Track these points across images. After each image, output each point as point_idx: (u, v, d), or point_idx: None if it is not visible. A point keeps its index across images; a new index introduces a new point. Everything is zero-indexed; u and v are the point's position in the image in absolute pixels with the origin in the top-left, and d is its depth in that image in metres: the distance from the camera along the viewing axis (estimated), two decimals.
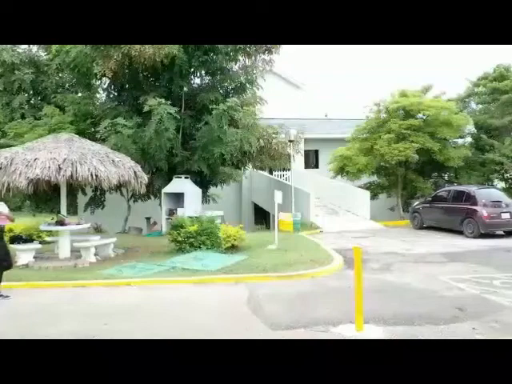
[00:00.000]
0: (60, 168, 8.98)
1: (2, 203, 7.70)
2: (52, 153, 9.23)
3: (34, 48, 19.26)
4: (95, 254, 10.49)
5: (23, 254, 9.83)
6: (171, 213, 14.57)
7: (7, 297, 6.86)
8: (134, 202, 17.03)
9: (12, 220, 7.52)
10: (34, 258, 10.08)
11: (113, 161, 9.83)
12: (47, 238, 11.51)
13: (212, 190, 17.86)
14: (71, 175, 9.06)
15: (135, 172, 10.27)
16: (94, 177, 9.22)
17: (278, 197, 10.53)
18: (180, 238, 10.33)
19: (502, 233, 13.29)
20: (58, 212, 11.26)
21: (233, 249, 10.40)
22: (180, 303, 6.48)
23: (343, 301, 6.37)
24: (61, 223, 10.37)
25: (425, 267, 8.71)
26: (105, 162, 9.58)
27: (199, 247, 10.42)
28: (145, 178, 10.71)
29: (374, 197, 19.34)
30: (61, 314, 6.02)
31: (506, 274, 7.87)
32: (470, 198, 13.44)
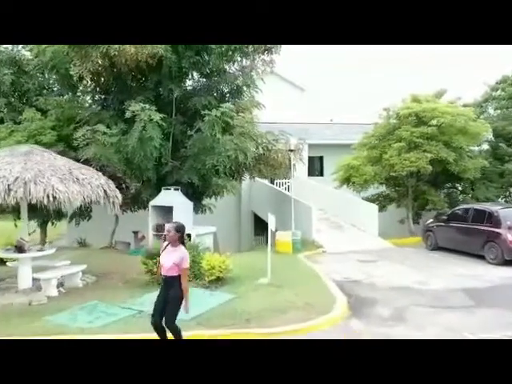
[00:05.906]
0: (10, 189, 7.56)
1: None
2: (2, 170, 7.82)
3: (17, 46, 17.92)
4: (61, 285, 9.13)
5: None
6: (159, 228, 13.20)
7: None
8: (122, 212, 15.57)
9: None
10: None
11: (77, 179, 8.38)
12: (9, 264, 10.12)
13: (207, 199, 16.39)
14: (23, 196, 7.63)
15: (105, 191, 8.81)
16: (52, 198, 7.78)
17: (272, 222, 8.94)
18: (156, 269, 8.87)
19: None
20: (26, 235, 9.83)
21: (217, 281, 8.92)
22: None
23: None
24: (19, 249, 8.98)
25: (446, 315, 7.16)
26: (66, 181, 8.14)
27: None
28: (118, 196, 9.24)
29: (382, 208, 17.85)
30: None
31: None
32: (492, 219, 11.84)
